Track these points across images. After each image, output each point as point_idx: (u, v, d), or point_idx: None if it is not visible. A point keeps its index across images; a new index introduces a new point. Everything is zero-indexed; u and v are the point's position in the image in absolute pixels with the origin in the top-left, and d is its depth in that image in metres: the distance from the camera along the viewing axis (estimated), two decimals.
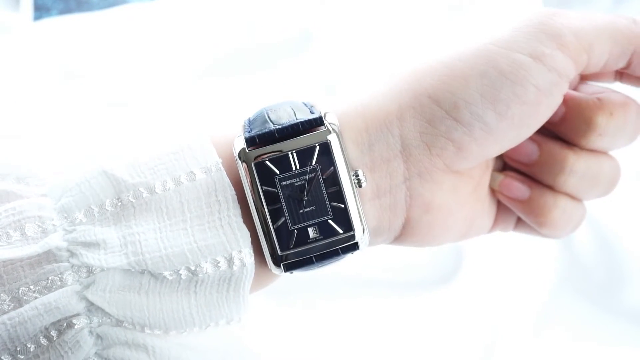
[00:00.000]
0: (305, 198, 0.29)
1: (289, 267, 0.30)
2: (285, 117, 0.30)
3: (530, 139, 0.33)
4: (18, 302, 0.27)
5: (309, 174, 0.29)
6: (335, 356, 0.56)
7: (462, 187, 0.32)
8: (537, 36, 0.30)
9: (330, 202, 0.29)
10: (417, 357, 0.56)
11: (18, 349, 0.27)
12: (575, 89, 0.35)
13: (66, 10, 0.66)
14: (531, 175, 0.34)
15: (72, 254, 0.28)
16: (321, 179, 0.29)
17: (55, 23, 0.65)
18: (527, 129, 0.31)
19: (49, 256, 0.27)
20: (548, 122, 0.33)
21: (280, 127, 0.30)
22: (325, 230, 0.30)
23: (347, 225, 0.30)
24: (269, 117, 0.30)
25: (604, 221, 0.59)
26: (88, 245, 0.28)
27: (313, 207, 0.29)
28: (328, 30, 0.68)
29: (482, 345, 0.57)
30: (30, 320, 0.27)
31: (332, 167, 0.29)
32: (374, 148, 0.30)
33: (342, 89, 0.66)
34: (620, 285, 0.57)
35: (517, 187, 0.34)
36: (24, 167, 0.30)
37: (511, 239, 0.60)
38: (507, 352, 0.57)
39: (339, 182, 0.29)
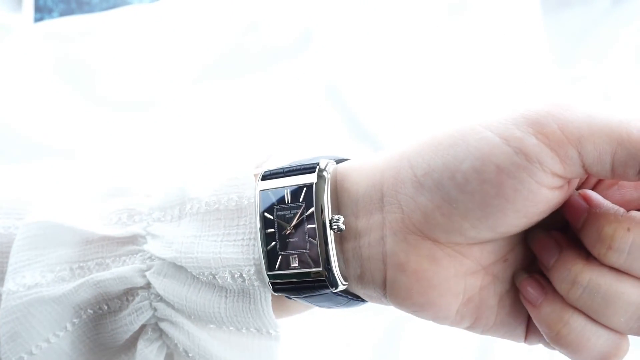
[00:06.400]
0: (291, 230, 0.33)
1: (276, 288, 0.34)
2: (299, 162, 0.35)
3: (557, 241, 0.32)
4: (108, 267, 0.35)
5: (296, 209, 0.33)
6: (336, 356, 0.57)
7: (447, 261, 0.32)
8: (516, 120, 0.30)
9: (308, 237, 0.33)
10: (417, 356, 0.57)
11: (110, 302, 0.35)
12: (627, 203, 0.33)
13: (67, 11, 0.67)
14: (551, 282, 0.32)
15: (146, 241, 0.35)
16: (305, 215, 0.33)
17: (57, 24, 0.65)
18: (495, 210, 0.30)
19: (133, 239, 0.36)
20: (575, 228, 0.31)
21: (287, 167, 0.34)
22: (302, 262, 0.33)
23: (318, 262, 0.33)
24: (294, 161, 0.36)
25: None
26: (155, 236, 0.35)
27: (296, 239, 0.33)
28: (328, 30, 0.68)
29: (481, 344, 0.57)
30: (108, 281, 0.35)
31: (313, 207, 0.33)
32: (360, 200, 0.33)
33: (343, 88, 0.67)
34: None
35: (533, 290, 0.32)
36: (146, 171, 0.39)
37: None
38: (505, 351, 0.57)
39: (316, 221, 0.32)
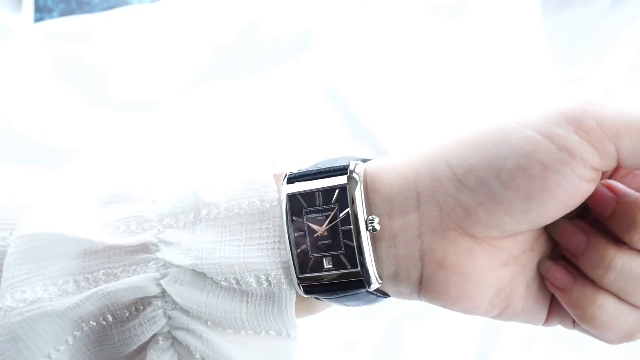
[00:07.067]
0: (324, 232, 0.33)
1: (307, 290, 0.34)
2: (325, 164, 0.35)
3: (582, 229, 0.34)
4: (117, 278, 0.35)
5: (329, 211, 0.33)
6: (337, 357, 0.57)
7: (483, 254, 0.33)
8: (555, 118, 0.31)
9: (343, 239, 0.33)
10: (418, 357, 0.57)
11: (117, 312, 0.35)
12: None
13: (67, 11, 0.66)
14: (579, 268, 0.34)
15: (159, 249, 0.35)
16: (338, 218, 0.33)
17: (57, 24, 0.65)
18: (537, 204, 0.31)
19: (144, 248, 0.35)
20: (601, 217, 0.33)
21: (315, 170, 0.35)
22: (336, 263, 0.33)
23: (354, 262, 0.33)
24: (315, 164, 0.36)
25: None
26: (169, 244, 0.35)
27: (329, 241, 0.33)
28: (329, 31, 0.68)
29: (481, 343, 0.57)
30: (119, 291, 0.34)
31: (347, 209, 0.33)
32: (393, 200, 0.34)
33: (343, 89, 0.67)
34: None
35: (561, 276, 0.34)
36: (149, 176, 0.38)
37: None
38: (505, 350, 0.57)
39: (351, 222, 0.33)
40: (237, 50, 0.67)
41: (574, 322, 0.35)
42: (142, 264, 0.35)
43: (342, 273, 0.33)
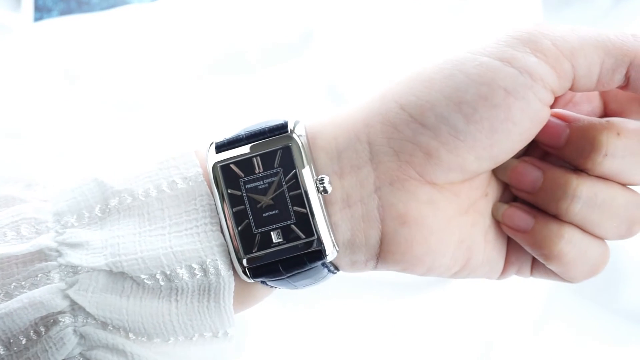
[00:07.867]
0: (269, 201, 0.30)
1: (255, 273, 0.30)
2: (256, 126, 0.31)
3: (535, 166, 0.32)
4: (10, 297, 0.28)
5: (272, 177, 0.30)
6: (337, 356, 0.57)
7: (444, 203, 0.31)
8: (509, 42, 0.30)
9: (292, 207, 0.30)
10: (418, 356, 0.57)
11: (11, 341, 0.28)
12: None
13: (67, 11, 0.66)
14: (537, 206, 0.32)
15: (60, 254, 0.29)
16: (284, 183, 0.30)
17: (56, 24, 0.65)
18: (502, 136, 0.29)
19: (41, 255, 0.29)
20: (554, 148, 0.32)
21: (246, 133, 0.31)
22: (287, 235, 0.30)
23: (309, 231, 0.30)
24: (245, 128, 0.32)
25: None
26: (74, 246, 0.29)
27: (276, 211, 0.30)
28: (329, 29, 0.68)
29: (482, 343, 0.57)
30: (16, 312, 0.28)
31: (294, 171, 0.30)
32: (342, 155, 0.30)
33: (344, 88, 0.67)
34: (619, 283, 0.57)
35: (520, 217, 0.32)
36: (32, 173, 0.32)
37: None
38: (506, 351, 0.57)
39: (300, 186, 0.30)
40: (238, 48, 0.67)
41: (532, 268, 0.34)
42: (41, 275, 0.29)
43: (296, 245, 0.30)
